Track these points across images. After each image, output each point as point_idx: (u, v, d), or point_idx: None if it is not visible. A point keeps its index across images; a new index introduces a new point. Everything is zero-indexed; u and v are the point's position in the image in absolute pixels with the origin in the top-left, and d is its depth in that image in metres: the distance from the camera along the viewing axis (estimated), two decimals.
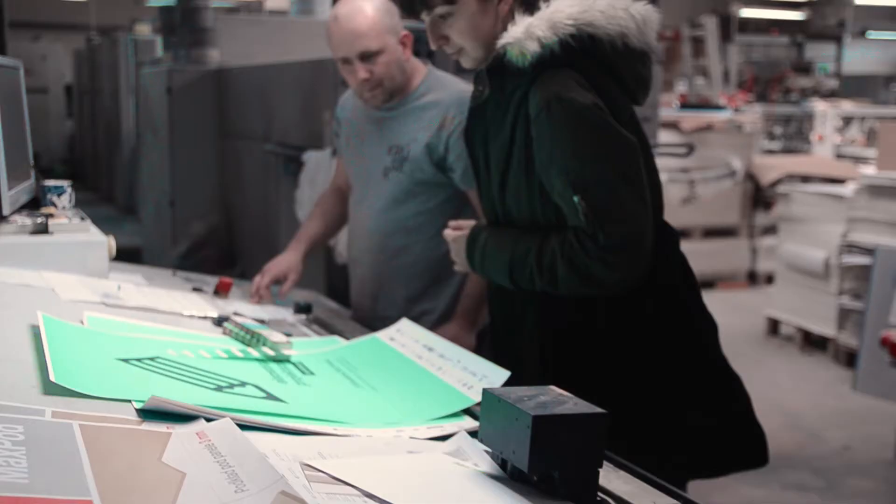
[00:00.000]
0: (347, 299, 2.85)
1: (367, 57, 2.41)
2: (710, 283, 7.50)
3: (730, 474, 2.04)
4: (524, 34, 1.79)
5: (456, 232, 2.04)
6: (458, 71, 2.41)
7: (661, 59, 12.77)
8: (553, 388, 1.24)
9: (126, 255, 6.59)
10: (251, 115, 5.05)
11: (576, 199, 1.75)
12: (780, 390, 5.16)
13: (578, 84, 1.78)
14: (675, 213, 7.44)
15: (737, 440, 1.97)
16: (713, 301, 2.13)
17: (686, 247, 2.04)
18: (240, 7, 12.68)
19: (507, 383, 1.55)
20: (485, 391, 1.24)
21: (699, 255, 7.57)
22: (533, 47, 1.77)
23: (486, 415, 1.24)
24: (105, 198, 10.59)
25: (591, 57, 1.81)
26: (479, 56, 1.92)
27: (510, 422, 1.16)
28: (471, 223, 2.03)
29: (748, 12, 15.13)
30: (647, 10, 1.86)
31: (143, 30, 9.30)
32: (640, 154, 1.82)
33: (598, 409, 1.17)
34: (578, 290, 1.82)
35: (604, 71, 1.83)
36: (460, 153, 2.34)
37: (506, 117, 1.88)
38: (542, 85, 1.79)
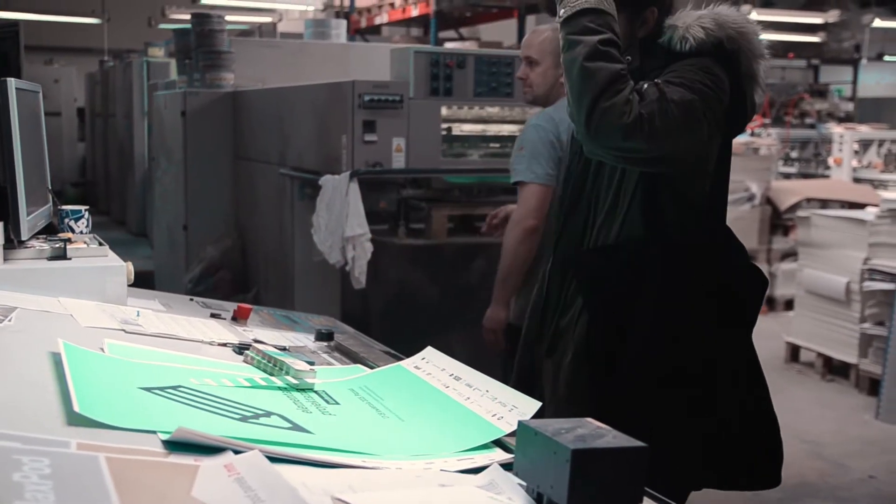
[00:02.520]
0: (364, 325, 2.86)
1: (529, 62, 3.15)
2: None
3: (742, 490, 2.06)
4: (695, 21, 1.97)
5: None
6: None
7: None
8: (590, 420, 1.21)
9: (139, 279, 6.57)
10: (266, 139, 5.05)
11: (659, 80, 1.91)
12: (802, 418, 5.10)
13: (718, 70, 1.96)
14: None
15: (755, 455, 2.00)
16: None
17: None
18: (254, 30, 12.77)
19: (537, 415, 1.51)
20: (520, 423, 1.21)
21: None
22: (699, 34, 1.95)
23: (522, 448, 1.20)
24: (117, 221, 10.61)
25: (729, 64, 1.98)
26: None
27: (548, 455, 1.13)
28: None
29: (763, 35, 15.11)
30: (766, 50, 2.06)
31: (157, 53, 9.33)
32: (715, 133, 1.98)
33: (639, 443, 1.13)
34: (593, 96, 1.89)
35: (732, 80, 1.99)
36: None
37: None
38: (684, 61, 1.97)
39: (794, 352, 6.24)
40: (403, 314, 4.41)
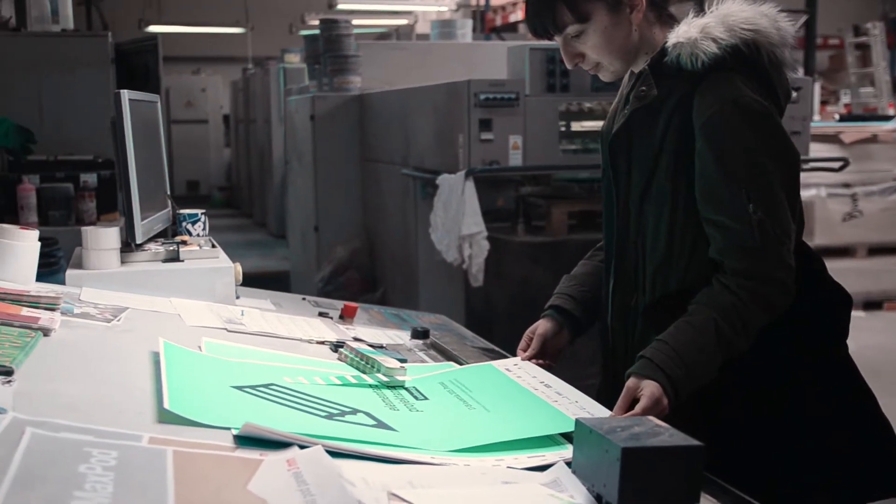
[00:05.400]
0: (487, 323, 2.82)
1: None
2: (877, 304, 7.08)
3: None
4: (700, 34, 1.74)
5: (645, 398, 1.62)
6: None
7: (817, 69, 12.21)
8: (650, 418, 1.19)
9: (275, 279, 6.74)
10: (390, 140, 5.13)
11: (750, 207, 1.69)
12: None
13: (749, 89, 1.73)
14: (836, 230, 7.13)
15: (876, 464, 1.86)
16: (880, 322, 2.02)
17: (849, 265, 1.98)
18: (391, 33, 12.97)
19: None
20: (577, 421, 1.20)
21: (864, 274, 7.22)
22: (711, 48, 1.72)
23: (579, 445, 1.19)
24: (259, 223, 10.97)
25: (752, 64, 1.76)
26: (617, 69, 1.88)
27: (601, 453, 1.12)
28: (643, 387, 1.64)
29: (785, 23, 14.34)
30: (787, 23, 1.81)
31: (293, 59, 9.60)
32: (800, 166, 1.80)
33: (694, 442, 1.11)
34: (763, 323, 1.74)
35: (760, 80, 1.77)
36: None
37: (656, 122, 1.81)
38: (712, 88, 1.74)
39: None
40: (527, 312, 4.39)
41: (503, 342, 2.32)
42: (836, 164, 4.94)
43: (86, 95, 4.88)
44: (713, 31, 1.74)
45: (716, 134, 1.73)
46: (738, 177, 1.72)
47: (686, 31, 1.76)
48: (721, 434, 1.69)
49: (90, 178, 4.49)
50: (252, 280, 4.88)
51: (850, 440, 1.84)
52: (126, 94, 2.26)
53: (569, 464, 1.31)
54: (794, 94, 4.62)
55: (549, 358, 2.01)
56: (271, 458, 1.21)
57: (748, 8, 1.78)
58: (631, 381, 1.64)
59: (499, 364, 1.94)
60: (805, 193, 7.12)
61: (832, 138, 7.19)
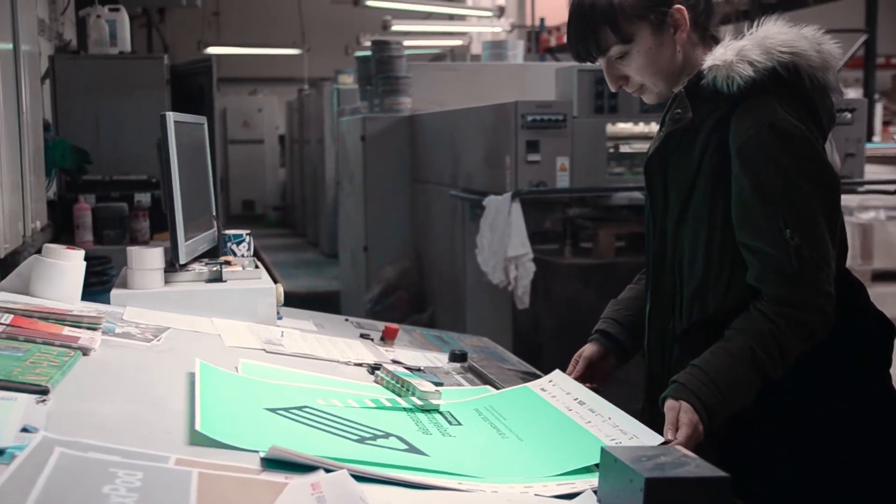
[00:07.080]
0: (535, 345, 2.81)
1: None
2: None
3: None
4: (736, 57, 1.73)
5: (685, 426, 1.62)
6: None
7: (879, 89, 12.03)
8: (678, 448, 1.17)
9: (326, 299, 6.74)
10: (439, 161, 5.15)
11: (787, 233, 1.67)
12: None
13: (787, 112, 1.71)
14: None
15: None
16: None
17: None
18: (446, 54, 13.03)
19: None
20: (603, 449, 1.19)
21: None
22: (746, 71, 1.71)
23: (605, 474, 1.18)
24: (312, 243, 11.05)
25: (791, 87, 1.74)
26: (661, 90, 1.88)
27: (625, 483, 1.10)
28: (682, 412, 1.64)
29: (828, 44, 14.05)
30: (832, 45, 1.79)
31: (346, 80, 9.68)
32: (840, 189, 1.76)
33: (721, 472, 1.09)
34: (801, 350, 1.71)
35: (801, 103, 1.75)
36: None
37: (693, 144, 1.80)
38: (749, 111, 1.72)
39: None
40: (575, 335, 4.36)
41: (552, 365, 2.30)
42: (893, 187, 4.85)
43: (141, 117, 4.96)
44: (749, 53, 1.72)
45: (752, 158, 1.71)
46: (774, 201, 1.69)
47: (722, 54, 1.75)
48: (756, 462, 1.66)
49: (144, 198, 4.59)
50: (302, 300, 4.91)
51: (891, 470, 1.80)
52: (171, 116, 2.29)
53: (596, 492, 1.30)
54: (849, 116, 4.59)
55: (596, 381, 2.01)
56: (296, 481, 1.21)
57: (788, 30, 1.76)
58: (669, 403, 1.63)
59: (533, 385, 1.92)
60: (864, 216, 7.00)
61: (892, 160, 7.05)
